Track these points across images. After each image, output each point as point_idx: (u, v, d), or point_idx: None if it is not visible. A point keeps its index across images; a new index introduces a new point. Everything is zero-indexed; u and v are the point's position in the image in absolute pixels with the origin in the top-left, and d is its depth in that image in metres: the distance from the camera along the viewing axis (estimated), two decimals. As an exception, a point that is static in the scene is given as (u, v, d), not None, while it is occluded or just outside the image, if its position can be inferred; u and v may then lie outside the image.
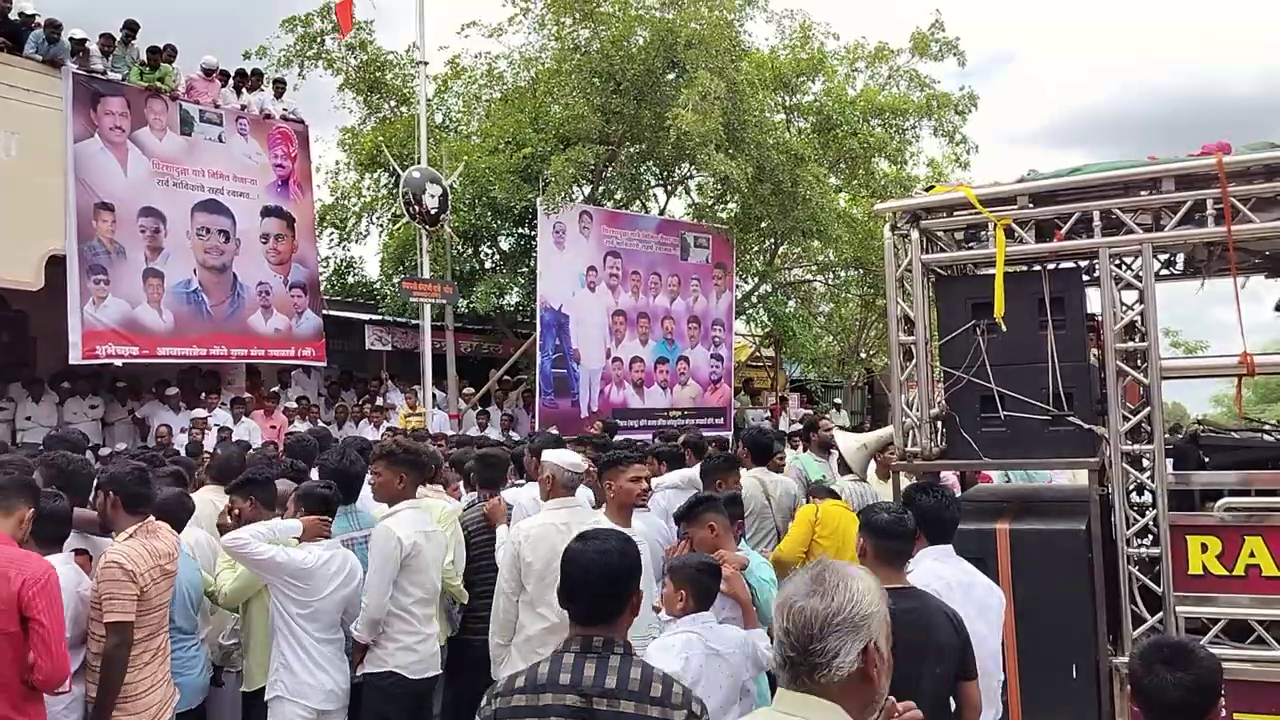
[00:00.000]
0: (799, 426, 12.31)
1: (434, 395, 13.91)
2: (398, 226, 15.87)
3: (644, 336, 15.10)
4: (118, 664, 3.68)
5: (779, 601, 1.92)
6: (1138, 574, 4.54)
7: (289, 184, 13.33)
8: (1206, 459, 4.87)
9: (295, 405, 12.75)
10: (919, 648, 3.00)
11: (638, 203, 17.53)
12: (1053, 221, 4.78)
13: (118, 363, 11.46)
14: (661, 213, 17.52)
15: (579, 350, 14.22)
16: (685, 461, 6.91)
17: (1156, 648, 2.42)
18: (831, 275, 20.06)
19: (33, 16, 11.01)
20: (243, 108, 12.94)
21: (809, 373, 21.95)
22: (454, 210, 14.19)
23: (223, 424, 11.45)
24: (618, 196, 16.98)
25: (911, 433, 5.01)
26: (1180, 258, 5.73)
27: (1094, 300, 4.95)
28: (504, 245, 16.85)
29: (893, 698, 2.16)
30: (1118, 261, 4.69)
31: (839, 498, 5.96)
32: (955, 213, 5.01)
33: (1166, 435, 4.78)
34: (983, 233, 4.97)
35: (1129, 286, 4.69)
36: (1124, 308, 4.72)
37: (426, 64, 14.71)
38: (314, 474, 6.00)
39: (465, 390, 14.87)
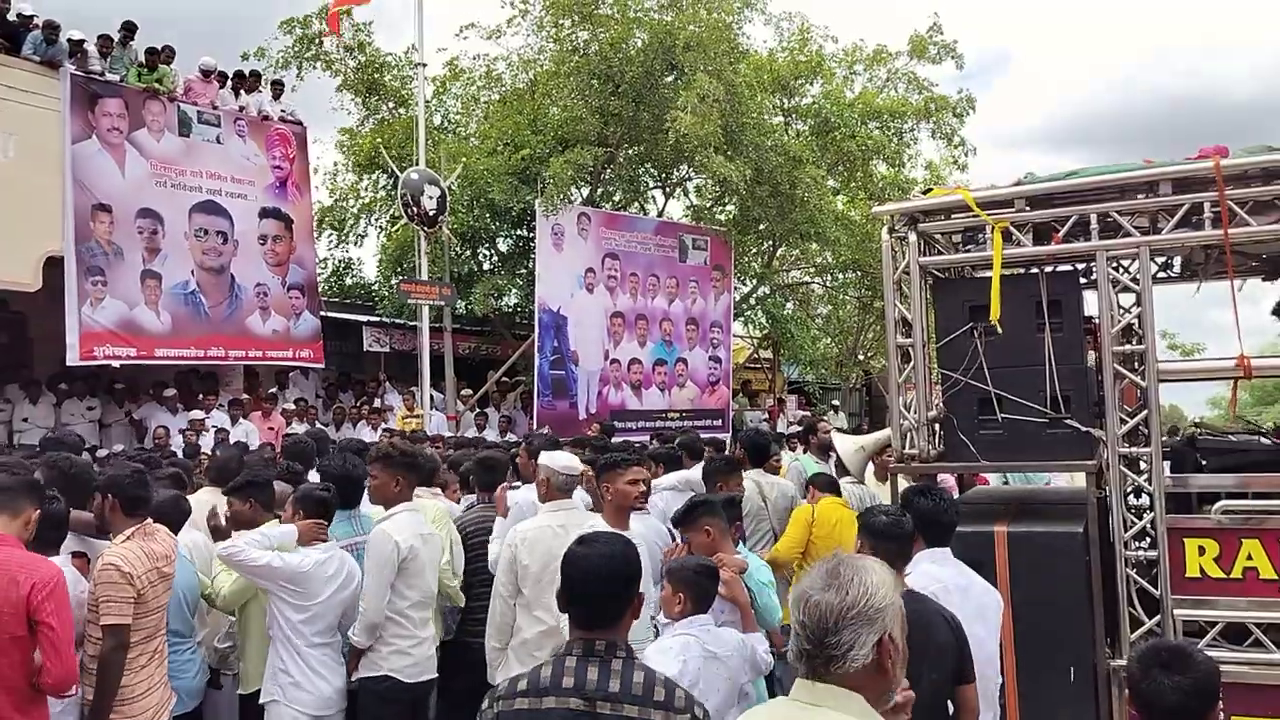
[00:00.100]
0: (798, 428, 12.32)
1: (432, 397, 13.91)
2: (396, 228, 15.88)
3: (642, 338, 15.10)
4: (114, 667, 3.68)
5: (795, 594, 1.95)
6: (1135, 577, 4.54)
7: (287, 185, 13.32)
8: (1204, 462, 4.87)
9: (293, 407, 12.74)
10: (917, 650, 2.98)
11: (636, 205, 17.53)
12: (1050, 224, 4.79)
13: (115, 364, 11.45)
14: (660, 215, 17.52)
15: (577, 352, 14.22)
16: (682, 464, 6.91)
17: (1154, 651, 2.42)
18: (829, 277, 20.08)
19: (31, 17, 11.00)
20: (241, 109, 12.94)
21: (807, 374, 21.96)
22: (452, 212, 14.19)
23: (220, 425, 11.43)
24: (616, 198, 16.98)
25: (909, 435, 5.01)
26: (1177, 261, 5.74)
27: (1091, 303, 4.96)
28: (502, 247, 16.85)
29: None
30: (1115, 264, 4.70)
31: (839, 490, 5.96)
32: (953, 215, 5.01)
33: (1164, 438, 4.78)
34: (980, 235, 4.97)
35: (1126, 289, 4.70)
36: (1121, 310, 4.72)
37: (425, 65, 14.73)
38: (312, 475, 6.00)
39: (463, 392, 14.86)
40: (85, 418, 11.76)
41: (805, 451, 8.22)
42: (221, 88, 12.83)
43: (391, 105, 16.50)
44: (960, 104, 17.56)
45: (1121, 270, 4.73)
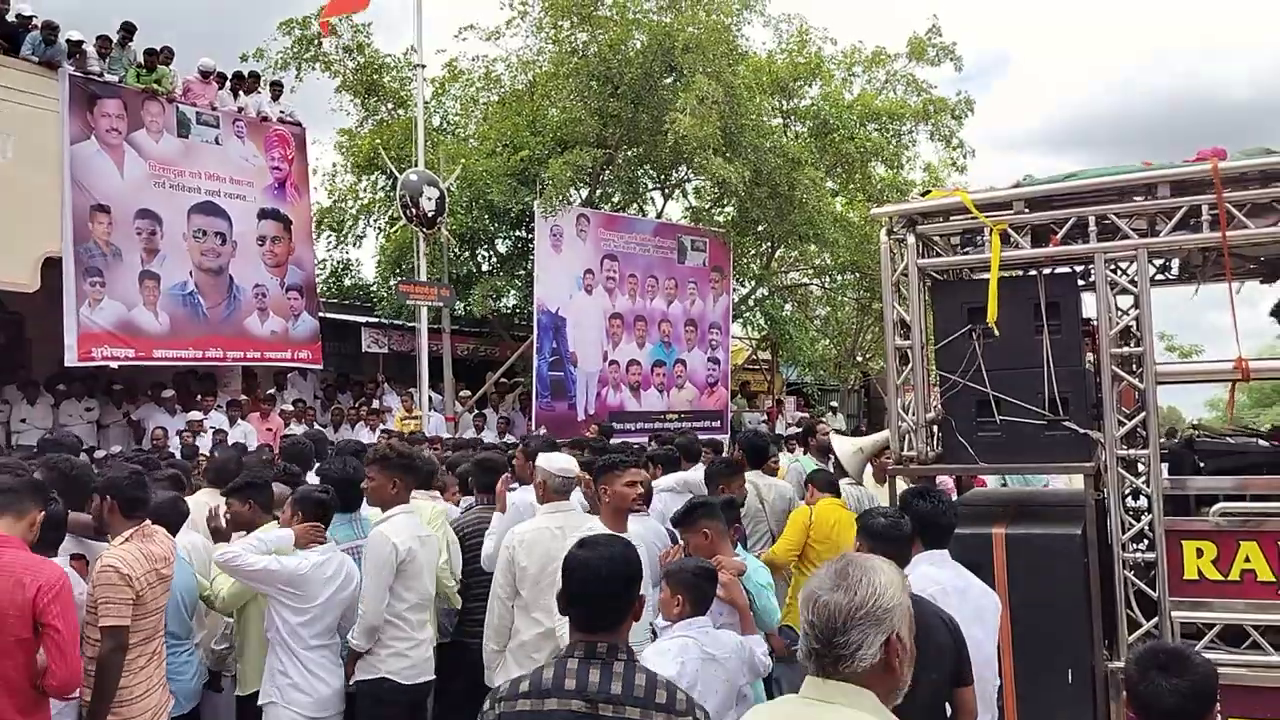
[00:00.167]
0: (797, 430, 12.32)
1: (430, 398, 13.91)
2: (395, 229, 15.89)
3: (641, 339, 15.10)
4: (112, 669, 3.67)
5: (804, 594, 1.97)
6: (1133, 579, 4.54)
7: (286, 186, 13.32)
8: (1202, 464, 4.87)
9: (291, 408, 12.74)
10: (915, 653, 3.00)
11: (635, 206, 17.54)
12: (1048, 226, 4.79)
13: (113, 365, 11.45)
14: (659, 216, 17.53)
15: (576, 353, 14.22)
16: (680, 465, 6.91)
17: (1152, 654, 2.42)
18: (828, 279, 20.09)
19: (30, 18, 11.01)
20: (239, 110, 12.94)
21: (805, 376, 21.94)
22: (451, 213, 14.19)
23: (218, 426, 11.43)
24: (615, 200, 16.99)
25: (908, 437, 5.01)
26: (1175, 263, 5.74)
27: (1089, 305, 4.97)
28: (501, 248, 16.86)
29: None
30: (1113, 266, 4.70)
31: (839, 490, 5.95)
32: (951, 217, 5.01)
33: (1162, 440, 4.78)
34: (979, 237, 4.97)
35: (1124, 291, 4.70)
36: (1119, 312, 4.72)
37: (424, 67, 14.74)
38: (311, 477, 6.00)
39: (462, 393, 14.86)
40: (83, 419, 11.76)
41: (804, 453, 8.23)
42: (220, 89, 12.83)
43: (390, 106, 16.51)
44: (959, 106, 17.59)
45: (1120, 272, 4.73)
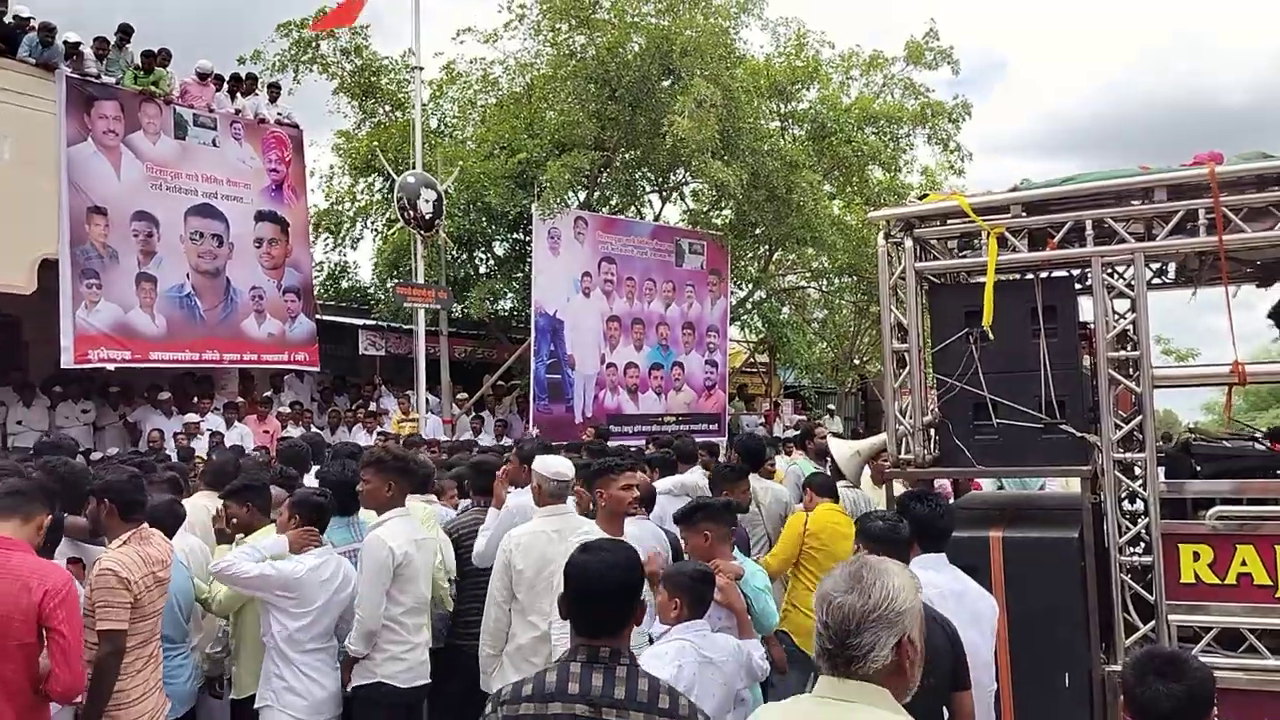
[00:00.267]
0: (795, 433, 12.33)
1: (428, 400, 13.90)
2: (392, 231, 15.89)
3: (639, 342, 15.10)
4: (109, 672, 3.66)
5: (818, 595, 1.99)
6: (1130, 582, 4.54)
7: (283, 188, 13.31)
8: (1198, 467, 4.88)
9: (288, 410, 12.72)
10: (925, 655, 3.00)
11: (633, 209, 17.54)
12: (1046, 230, 4.80)
13: (110, 367, 11.43)
14: (656, 219, 17.54)
15: (573, 356, 14.22)
16: (676, 468, 6.91)
17: (1149, 658, 2.42)
18: (825, 282, 20.11)
19: (28, 20, 11.00)
20: (237, 112, 12.94)
21: (803, 379, 21.99)
22: (449, 215, 14.19)
23: (215, 429, 11.41)
24: (613, 202, 17.00)
25: (905, 440, 5.01)
26: (1172, 267, 5.75)
27: (1086, 309, 4.97)
28: (498, 251, 16.86)
29: None
30: (1110, 270, 4.70)
31: (837, 493, 5.94)
32: (949, 221, 5.02)
33: (1158, 443, 4.79)
34: (976, 241, 4.98)
35: (1121, 295, 4.70)
36: (1116, 316, 4.73)
37: (422, 69, 14.74)
38: (308, 479, 5.99)
39: (459, 396, 14.85)
40: (80, 421, 11.74)
41: (802, 456, 8.24)
42: (218, 90, 12.83)
43: (388, 109, 16.51)
44: (956, 110, 17.61)
45: (1116, 276, 4.74)
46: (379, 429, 12.63)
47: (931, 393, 5.10)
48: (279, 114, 13.55)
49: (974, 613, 3.60)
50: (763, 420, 17.75)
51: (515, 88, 16.75)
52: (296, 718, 4.19)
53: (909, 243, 4.97)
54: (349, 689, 4.36)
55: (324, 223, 17.22)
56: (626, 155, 16.16)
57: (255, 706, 4.29)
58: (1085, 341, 5.05)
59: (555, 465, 4.65)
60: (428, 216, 13.51)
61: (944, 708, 3.26)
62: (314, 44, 15.57)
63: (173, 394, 12.13)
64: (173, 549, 4.22)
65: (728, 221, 17.01)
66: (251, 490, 4.87)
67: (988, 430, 4.83)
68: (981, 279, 4.85)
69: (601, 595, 2.48)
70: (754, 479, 6.43)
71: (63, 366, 11.00)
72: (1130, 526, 4.58)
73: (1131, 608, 4.53)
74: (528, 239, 14.80)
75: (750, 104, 15.05)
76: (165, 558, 4.02)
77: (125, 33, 11.90)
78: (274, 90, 13.87)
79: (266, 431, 11.88)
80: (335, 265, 18.23)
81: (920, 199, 5.35)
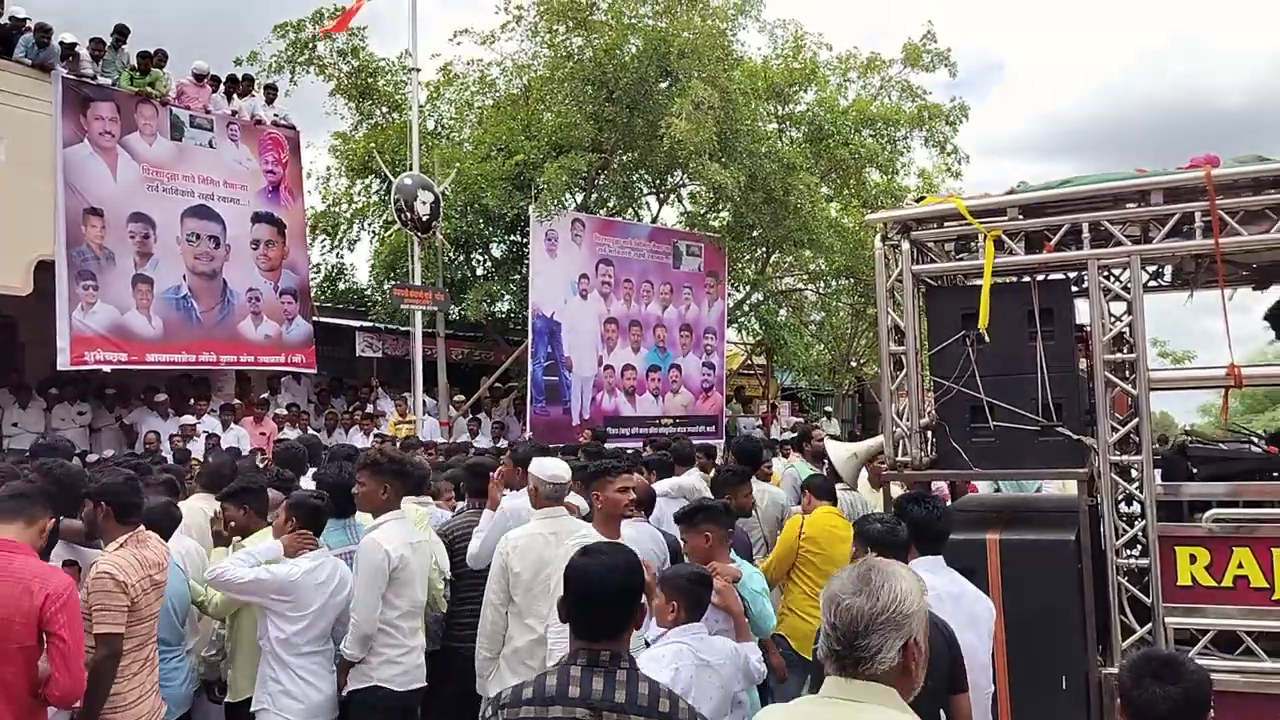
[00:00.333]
0: (792, 435, 12.32)
1: (424, 402, 13.89)
2: (389, 233, 15.88)
3: (636, 344, 15.10)
4: (105, 676, 3.66)
5: (826, 596, 2.02)
6: (1127, 585, 4.55)
7: (280, 190, 13.30)
8: (1195, 470, 4.88)
9: (285, 412, 12.71)
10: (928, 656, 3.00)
11: (630, 211, 17.55)
12: (1042, 233, 4.80)
13: (106, 369, 11.40)
14: (654, 221, 17.54)
15: (571, 358, 14.22)
16: (674, 470, 6.91)
17: (1146, 660, 2.42)
18: (823, 284, 20.13)
19: (23, 20, 10.99)
20: (233, 113, 12.92)
21: (800, 381, 21.99)
22: (446, 217, 14.19)
23: (211, 431, 11.40)
24: (610, 204, 17.00)
25: (902, 442, 5.01)
26: (1168, 269, 5.76)
27: (1083, 311, 4.98)
28: (496, 252, 16.86)
29: None
30: (1106, 273, 4.71)
31: (835, 496, 5.93)
32: (946, 224, 5.03)
33: (1155, 446, 4.79)
34: (973, 244, 4.99)
35: (1117, 298, 4.71)
36: (1112, 319, 4.73)
37: (419, 71, 14.74)
38: (304, 482, 5.98)
39: (456, 398, 14.84)
40: (75, 422, 11.71)
41: (799, 459, 8.24)
42: (214, 92, 12.81)
43: (385, 110, 16.51)
44: (953, 112, 17.63)
45: (1113, 279, 4.74)
46: (376, 431, 12.62)
47: (928, 395, 5.10)
48: (276, 115, 13.54)
49: (971, 615, 3.60)
50: (760, 422, 17.76)
51: (512, 89, 16.76)
52: (292, 720, 4.18)
53: (906, 245, 4.98)
54: (344, 693, 4.34)
55: (321, 224, 17.21)
56: (624, 157, 16.17)
57: (251, 710, 4.28)
58: (1082, 344, 5.06)
59: (551, 468, 4.65)
60: (425, 218, 13.51)
61: (941, 710, 3.26)
62: (311, 45, 15.57)
63: (169, 396, 12.11)
64: (169, 552, 4.21)
65: (725, 223, 17.02)
66: (249, 492, 4.86)
67: (984, 433, 4.83)
68: (978, 281, 4.86)
69: (602, 598, 2.48)
70: (751, 481, 6.42)
71: (59, 368, 10.98)
72: (1127, 529, 4.58)
73: (1128, 610, 4.53)
74: (525, 241, 14.80)
75: (748, 106, 15.05)
76: (162, 560, 4.02)
77: (121, 34, 11.89)
78: (271, 91, 13.86)
79: (263, 433, 11.86)
80: (332, 267, 18.24)
81: (917, 201, 5.36)
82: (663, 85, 14.86)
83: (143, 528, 4.03)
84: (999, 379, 4.80)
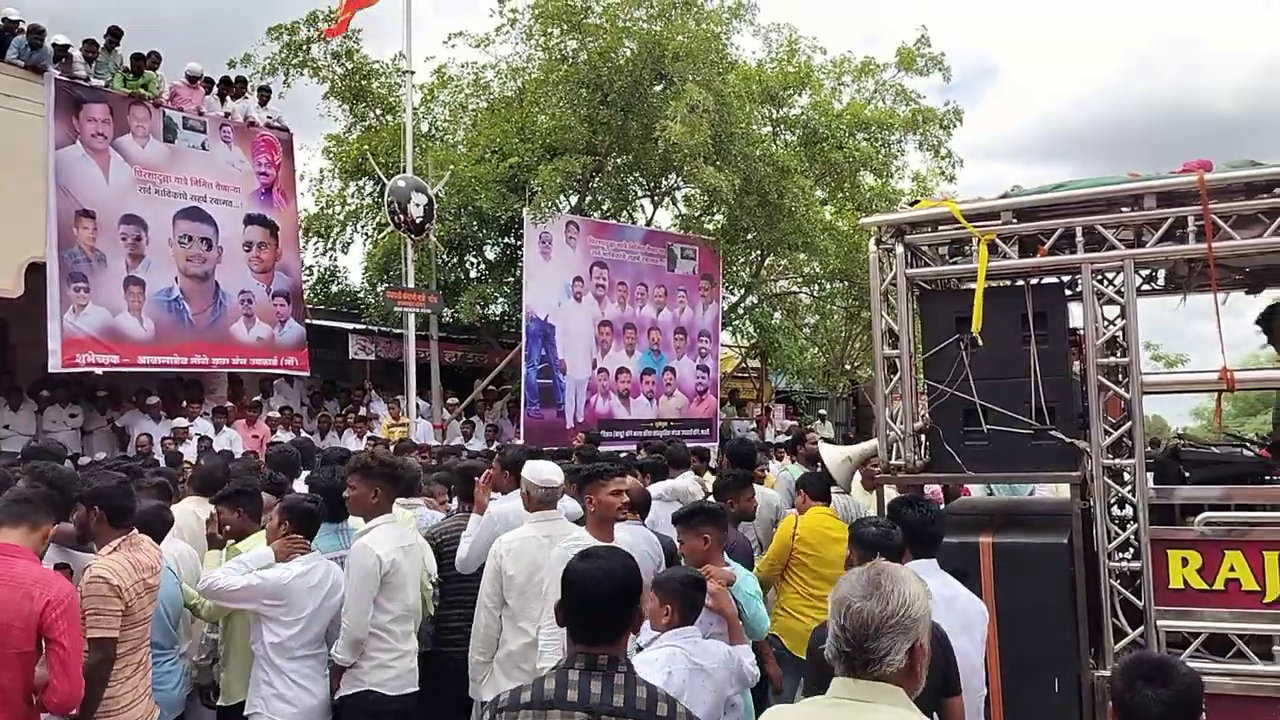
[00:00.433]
0: (786, 438, 12.33)
1: (418, 405, 13.87)
2: (382, 235, 15.86)
3: (630, 347, 15.10)
4: (99, 680, 3.65)
5: (835, 599, 2.07)
6: (1119, 588, 4.56)
7: (272, 192, 13.28)
8: (1187, 473, 4.89)
9: (278, 415, 12.67)
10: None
11: (624, 213, 17.56)
12: (1036, 237, 4.81)
13: (98, 371, 11.36)
14: (648, 224, 17.55)
15: (565, 361, 14.21)
16: (667, 473, 6.90)
17: (1138, 663, 2.43)
18: (817, 287, 20.16)
19: (16, 22, 10.96)
20: (226, 115, 12.90)
21: (794, 384, 22.01)
22: (439, 219, 14.17)
23: (204, 433, 11.36)
24: (604, 207, 17.01)
25: (895, 445, 5.02)
26: (1161, 273, 5.77)
27: (1076, 315, 4.99)
28: (489, 255, 16.84)
29: None
30: (1100, 277, 4.72)
31: (829, 495, 5.93)
32: (940, 227, 5.03)
33: (1147, 449, 4.80)
34: (967, 248, 4.99)
35: (1111, 302, 4.72)
36: (1106, 323, 4.75)
37: (413, 73, 14.73)
38: (298, 485, 5.96)
39: (450, 400, 14.82)
40: (67, 425, 11.67)
41: (793, 461, 8.24)
42: (207, 94, 12.79)
43: (379, 112, 16.49)
44: (947, 116, 17.67)
45: (1106, 283, 4.75)
46: (369, 434, 12.59)
47: (922, 398, 5.11)
48: (269, 117, 13.51)
49: (965, 618, 3.60)
50: (754, 425, 17.77)
51: (507, 92, 16.76)
52: (286, 726, 4.16)
53: (900, 249, 4.98)
54: (337, 697, 4.33)
55: (314, 226, 17.19)
56: (618, 160, 16.17)
57: (244, 714, 4.27)
58: (1075, 348, 5.06)
59: (543, 472, 4.65)
60: (418, 220, 13.49)
61: (935, 713, 3.26)
62: (305, 48, 15.55)
63: (161, 398, 12.07)
64: (162, 555, 4.20)
65: (720, 226, 17.03)
66: (243, 495, 4.85)
67: (978, 436, 4.84)
68: (972, 285, 4.87)
69: (600, 602, 2.48)
70: (744, 484, 6.42)
71: (50, 370, 10.94)
72: (1119, 532, 4.59)
73: (1120, 613, 4.54)
74: (519, 243, 14.80)
75: (742, 109, 15.07)
76: (155, 564, 4.01)
77: (114, 35, 11.86)
78: (264, 93, 13.84)
79: (256, 436, 11.82)
80: (325, 269, 18.22)
81: (911, 205, 5.36)
82: (657, 88, 14.88)
83: (136, 531, 4.02)
84: (992, 382, 4.81)
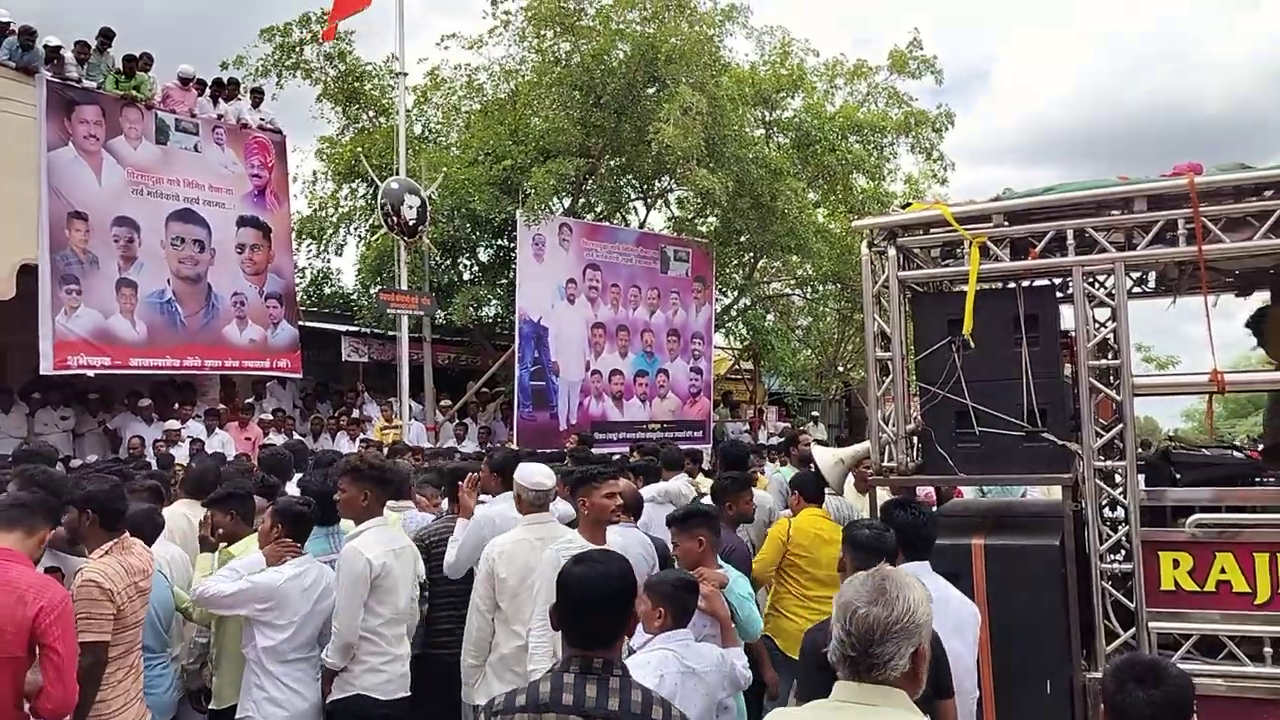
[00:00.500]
0: (779, 440, 12.35)
1: (411, 407, 13.85)
2: (375, 237, 15.83)
3: (623, 349, 15.09)
4: (91, 684, 3.64)
5: (841, 604, 2.12)
6: (1110, 589, 4.57)
7: (265, 194, 13.25)
8: (1178, 475, 4.91)
9: (270, 417, 12.65)
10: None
11: (618, 216, 17.56)
12: (1027, 239, 4.83)
13: (90, 373, 11.31)
14: (641, 226, 17.56)
15: (558, 363, 14.20)
16: (660, 476, 6.92)
17: (1129, 665, 2.44)
18: (810, 289, 20.17)
19: (7, 24, 10.93)
20: (219, 117, 12.87)
21: (787, 386, 22.01)
22: (432, 221, 14.16)
23: (196, 436, 11.33)
24: (598, 209, 17.01)
25: (888, 447, 5.03)
26: (1152, 276, 5.80)
27: (1068, 317, 5.00)
28: (483, 257, 16.83)
29: None
30: (1091, 280, 4.74)
31: (822, 495, 5.94)
32: (932, 230, 5.04)
33: (1138, 451, 4.82)
34: (959, 250, 5.01)
35: (1102, 304, 4.74)
36: (1097, 325, 4.76)
37: (406, 75, 14.71)
38: (290, 488, 5.95)
39: (443, 402, 14.80)
40: (59, 427, 11.63)
41: (782, 465, 8.26)
42: (200, 95, 12.75)
43: (372, 114, 16.47)
44: (939, 119, 17.71)
45: (1097, 285, 4.77)
46: (362, 436, 12.57)
47: (914, 400, 5.12)
48: (262, 119, 13.49)
49: (957, 621, 3.61)
50: (747, 427, 17.78)
51: (500, 94, 16.75)
52: (278, 730, 4.15)
53: (892, 252, 4.99)
54: (328, 702, 4.32)
55: (307, 228, 17.14)
56: (612, 162, 16.17)
57: (236, 718, 4.25)
58: (1066, 350, 5.08)
59: (534, 475, 4.64)
60: (411, 222, 13.47)
61: (927, 716, 3.26)
62: (298, 49, 15.52)
63: (153, 401, 12.03)
64: (153, 558, 4.18)
65: (713, 229, 17.04)
66: (235, 498, 4.85)
67: (970, 438, 4.85)
68: (964, 288, 4.88)
69: (595, 606, 2.48)
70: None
71: (42, 373, 10.88)
72: (1111, 534, 4.60)
73: (1112, 615, 4.55)
74: (512, 245, 14.78)
75: (735, 112, 15.08)
76: (146, 567, 4.00)
77: (106, 37, 11.82)
78: (257, 95, 13.80)
79: (248, 439, 11.80)
80: (318, 271, 18.16)
81: (904, 208, 5.37)
82: (650, 91, 14.88)
83: (127, 534, 4.01)
84: (984, 384, 4.83)
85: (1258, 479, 4.83)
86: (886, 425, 5.05)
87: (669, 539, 4.57)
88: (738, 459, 6.84)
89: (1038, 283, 5.08)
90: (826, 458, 6.07)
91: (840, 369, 21.80)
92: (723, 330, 19.08)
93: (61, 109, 11.07)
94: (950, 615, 3.58)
